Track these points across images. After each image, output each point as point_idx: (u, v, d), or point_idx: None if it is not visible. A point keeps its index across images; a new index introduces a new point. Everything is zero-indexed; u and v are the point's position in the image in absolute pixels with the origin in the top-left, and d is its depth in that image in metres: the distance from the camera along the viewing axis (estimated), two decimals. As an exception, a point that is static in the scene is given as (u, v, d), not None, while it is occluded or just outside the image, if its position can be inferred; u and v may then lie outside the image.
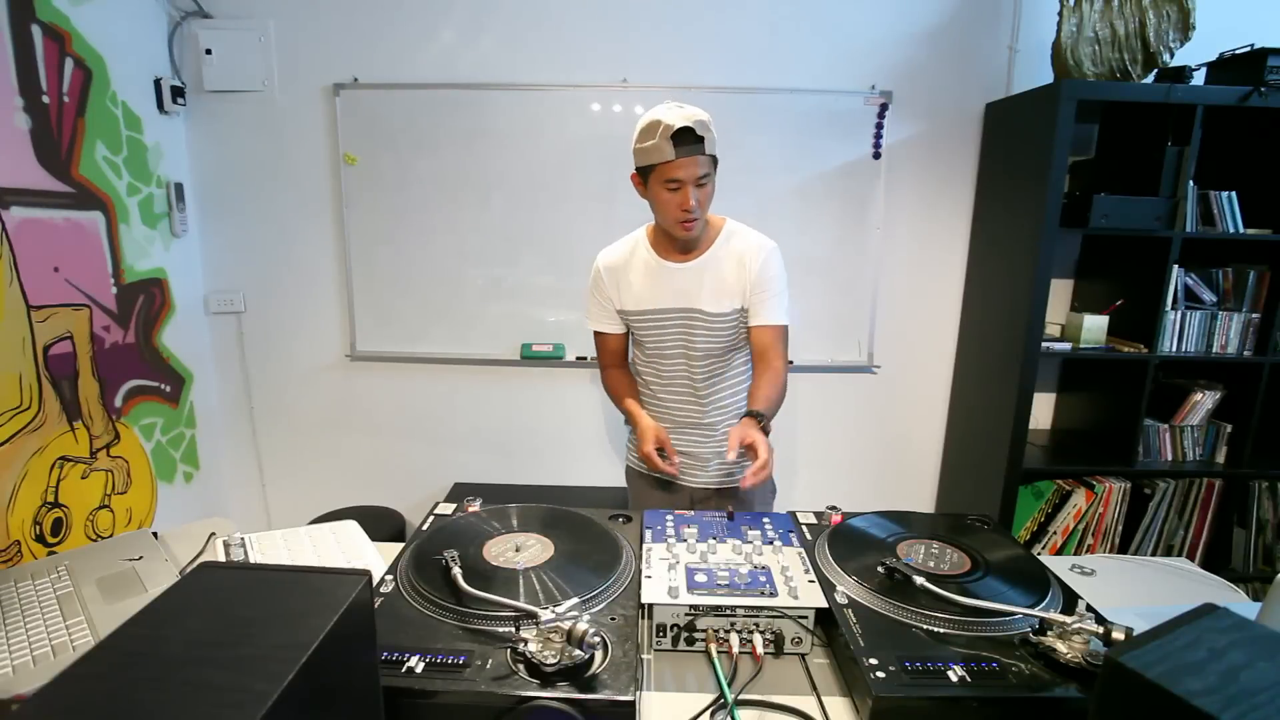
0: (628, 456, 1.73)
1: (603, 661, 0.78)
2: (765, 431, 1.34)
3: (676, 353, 1.54)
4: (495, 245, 2.44)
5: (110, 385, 2.08)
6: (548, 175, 2.38)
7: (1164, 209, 2.04)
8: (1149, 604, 1.14)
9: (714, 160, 1.39)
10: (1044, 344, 2.17)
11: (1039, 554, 1.47)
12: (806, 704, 0.82)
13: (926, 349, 2.57)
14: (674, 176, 1.34)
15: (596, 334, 1.64)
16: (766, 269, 1.47)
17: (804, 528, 1.15)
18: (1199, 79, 2.08)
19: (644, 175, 1.40)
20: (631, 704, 0.73)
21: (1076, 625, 0.80)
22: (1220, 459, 2.31)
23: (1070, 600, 0.93)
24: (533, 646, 0.76)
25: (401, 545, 1.08)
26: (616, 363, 1.66)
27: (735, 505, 1.47)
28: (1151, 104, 2.02)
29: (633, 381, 1.66)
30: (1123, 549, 2.32)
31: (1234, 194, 2.10)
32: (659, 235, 1.52)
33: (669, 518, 1.15)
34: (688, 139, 1.32)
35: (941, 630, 0.86)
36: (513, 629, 0.79)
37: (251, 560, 1.11)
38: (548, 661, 0.74)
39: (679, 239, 1.46)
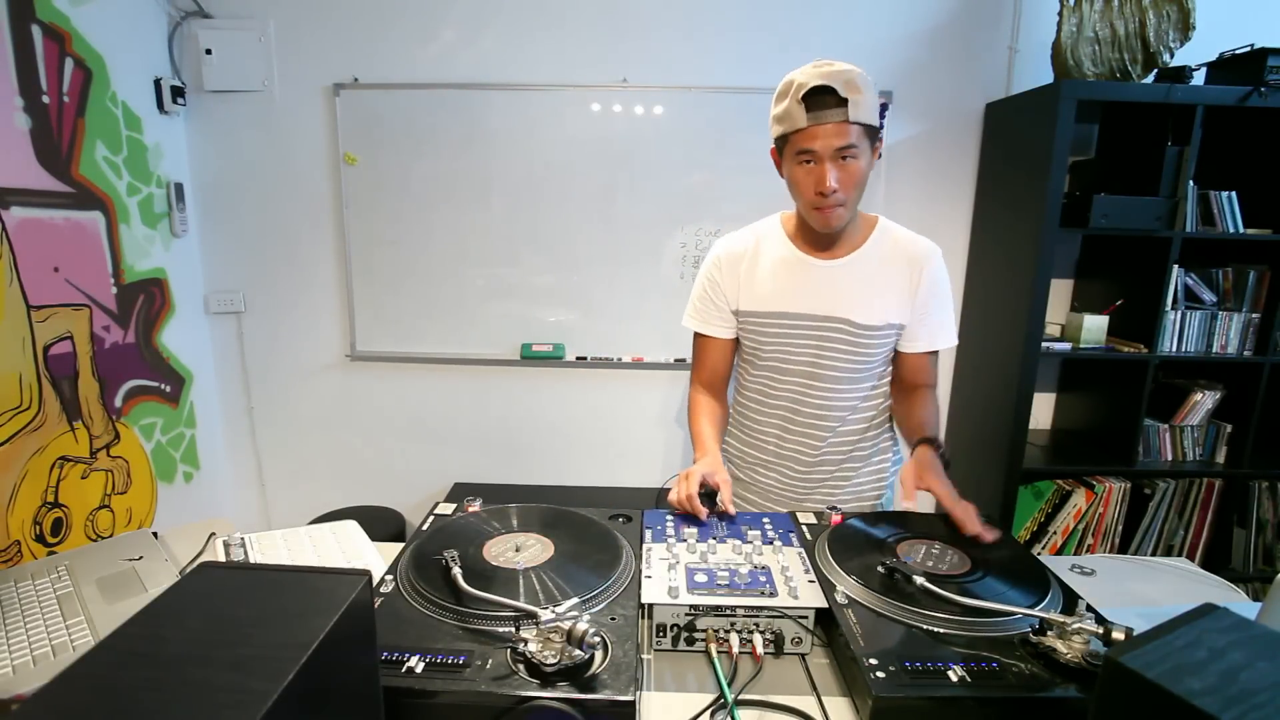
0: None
1: (603, 661, 0.78)
2: (945, 464, 1.14)
3: (800, 370, 1.30)
4: (495, 245, 2.44)
5: (110, 385, 2.08)
6: (548, 175, 2.38)
7: (1164, 209, 2.04)
8: (1149, 604, 1.14)
9: (869, 131, 1.13)
10: (1044, 344, 2.17)
11: (1039, 554, 1.47)
12: (806, 704, 0.82)
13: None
14: (806, 147, 1.12)
15: (697, 338, 1.38)
16: (941, 280, 1.25)
17: (804, 528, 1.14)
18: (1199, 79, 2.08)
19: (780, 148, 1.18)
20: (631, 704, 0.73)
21: (1076, 625, 0.80)
22: (1220, 459, 2.31)
23: (1070, 600, 0.93)
24: (533, 646, 0.76)
25: (401, 545, 1.08)
26: (713, 383, 1.38)
27: None
28: (1151, 104, 2.02)
29: (724, 416, 1.39)
30: (1123, 549, 2.32)
31: (1234, 194, 2.10)
32: (800, 225, 1.27)
33: (669, 518, 1.15)
34: (825, 100, 1.09)
35: (941, 630, 0.86)
36: (513, 629, 0.79)
37: (251, 560, 1.10)
38: (548, 661, 0.74)
39: (819, 230, 1.22)
